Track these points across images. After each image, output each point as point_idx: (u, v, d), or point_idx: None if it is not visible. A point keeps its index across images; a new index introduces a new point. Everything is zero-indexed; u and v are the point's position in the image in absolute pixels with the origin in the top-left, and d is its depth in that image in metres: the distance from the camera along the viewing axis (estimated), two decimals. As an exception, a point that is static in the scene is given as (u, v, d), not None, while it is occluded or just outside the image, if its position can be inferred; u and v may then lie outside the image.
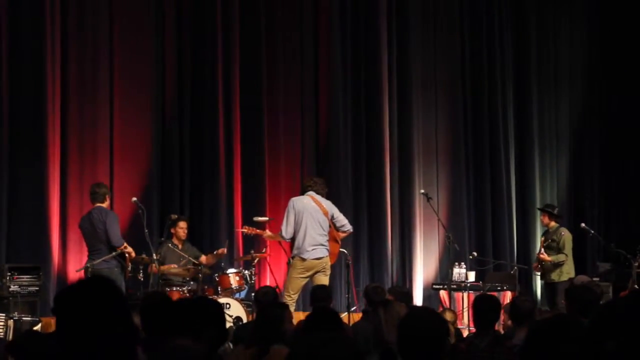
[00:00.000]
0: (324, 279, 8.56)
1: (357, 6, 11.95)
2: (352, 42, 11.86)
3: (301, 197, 8.78)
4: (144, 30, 10.59)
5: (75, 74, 10.16)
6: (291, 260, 8.74)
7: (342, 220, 8.87)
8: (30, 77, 9.89)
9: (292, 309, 8.09)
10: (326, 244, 8.66)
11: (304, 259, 8.55)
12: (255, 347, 4.45)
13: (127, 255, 8.52)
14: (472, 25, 12.73)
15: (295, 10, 11.57)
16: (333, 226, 8.78)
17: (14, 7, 9.82)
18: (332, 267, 9.04)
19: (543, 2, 13.31)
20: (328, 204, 8.85)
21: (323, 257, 8.60)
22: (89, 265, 8.35)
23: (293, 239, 8.66)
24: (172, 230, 9.54)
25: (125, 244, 8.52)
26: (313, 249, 8.56)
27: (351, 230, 9.12)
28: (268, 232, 9.24)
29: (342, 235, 8.94)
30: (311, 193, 8.78)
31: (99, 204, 8.61)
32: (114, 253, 8.38)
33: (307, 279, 8.61)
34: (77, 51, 10.16)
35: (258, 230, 9.24)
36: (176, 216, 9.49)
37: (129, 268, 8.65)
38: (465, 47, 12.65)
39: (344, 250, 9.60)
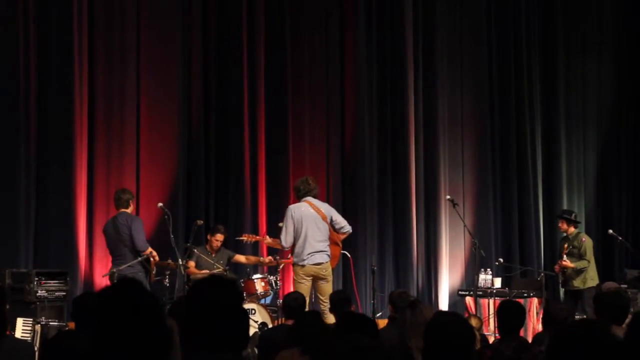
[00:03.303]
0: (326, 287, 8.48)
1: (382, 9, 11.97)
2: (377, 44, 11.86)
3: (299, 205, 8.63)
4: (170, 35, 10.65)
5: (102, 79, 10.24)
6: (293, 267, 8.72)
7: (341, 222, 8.75)
8: (57, 84, 9.98)
9: None
10: (326, 249, 8.56)
11: (302, 266, 8.49)
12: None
13: (151, 259, 8.57)
14: (499, 44, 12.70)
15: (321, 17, 11.59)
16: (332, 229, 8.71)
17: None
18: (357, 274, 9.00)
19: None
20: (326, 208, 8.76)
21: (323, 263, 8.50)
22: (114, 270, 8.41)
23: (293, 247, 8.59)
24: (209, 237, 9.64)
25: (150, 248, 8.58)
26: (312, 256, 8.46)
27: (350, 230, 8.93)
28: (268, 239, 9.27)
29: (342, 236, 8.84)
30: (308, 198, 8.64)
31: (123, 210, 8.71)
32: (139, 258, 8.43)
33: (311, 283, 8.55)
34: (104, 58, 10.24)
35: (258, 237, 9.50)
36: (201, 222, 9.47)
37: (154, 272, 8.71)
38: (493, 59, 12.63)
39: (367, 256, 9.60)
